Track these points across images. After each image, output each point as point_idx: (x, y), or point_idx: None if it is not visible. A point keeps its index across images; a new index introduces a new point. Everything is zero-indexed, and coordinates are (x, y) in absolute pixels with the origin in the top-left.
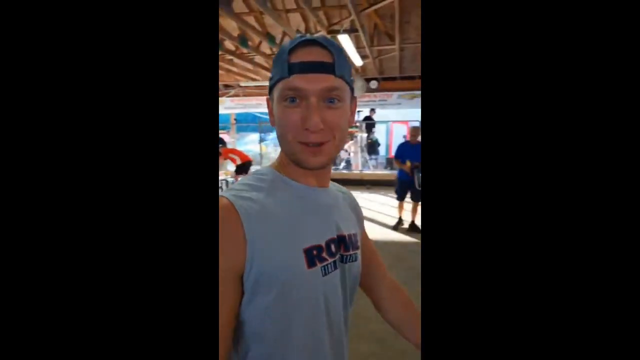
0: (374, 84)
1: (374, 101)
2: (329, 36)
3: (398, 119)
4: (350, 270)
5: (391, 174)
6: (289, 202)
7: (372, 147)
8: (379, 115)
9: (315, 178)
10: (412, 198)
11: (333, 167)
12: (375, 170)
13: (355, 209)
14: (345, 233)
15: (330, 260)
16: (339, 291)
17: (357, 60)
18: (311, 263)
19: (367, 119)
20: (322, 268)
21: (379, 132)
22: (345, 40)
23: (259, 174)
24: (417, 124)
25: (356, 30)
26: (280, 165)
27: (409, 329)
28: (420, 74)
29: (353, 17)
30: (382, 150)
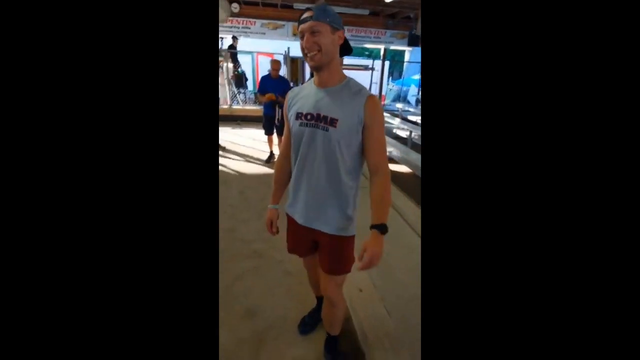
0: (235, 7)
1: (237, 27)
2: None
3: (263, 50)
4: (323, 134)
5: (260, 109)
6: (307, 92)
7: (239, 80)
8: (243, 44)
9: (319, 80)
10: (277, 132)
11: None
12: (245, 105)
13: (358, 107)
14: (322, 114)
15: (305, 121)
16: (309, 140)
17: None
18: (296, 117)
19: (231, 47)
20: (300, 123)
21: (245, 65)
22: None
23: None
24: (281, 57)
25: None
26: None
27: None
28: (281, 2)
29: None
30: (249, 85)
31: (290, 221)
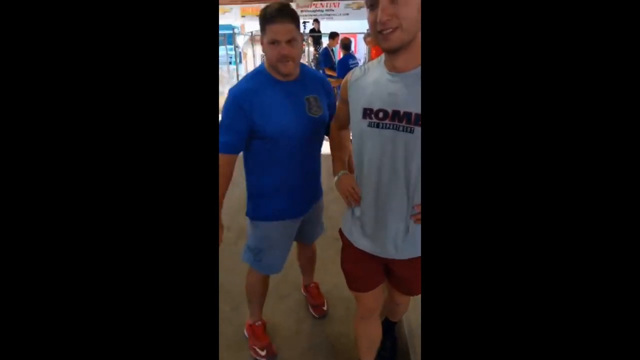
0: None
1: (321, 11)
2: None
3: (346, 31)
4: (406, 138)
5: None
6: (375, 78)
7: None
8: (327, 27)
9: (392, 64)
10: None
11: None
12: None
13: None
14: (401, 110)
15: (377, 121)
16: (386, 147)
17: None
18: (363, 116)
19: (313, 31)
20: (369, 122)
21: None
22: None
23: None
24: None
25: None
26: None
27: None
28: None
29: None
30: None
31: (350, 248)
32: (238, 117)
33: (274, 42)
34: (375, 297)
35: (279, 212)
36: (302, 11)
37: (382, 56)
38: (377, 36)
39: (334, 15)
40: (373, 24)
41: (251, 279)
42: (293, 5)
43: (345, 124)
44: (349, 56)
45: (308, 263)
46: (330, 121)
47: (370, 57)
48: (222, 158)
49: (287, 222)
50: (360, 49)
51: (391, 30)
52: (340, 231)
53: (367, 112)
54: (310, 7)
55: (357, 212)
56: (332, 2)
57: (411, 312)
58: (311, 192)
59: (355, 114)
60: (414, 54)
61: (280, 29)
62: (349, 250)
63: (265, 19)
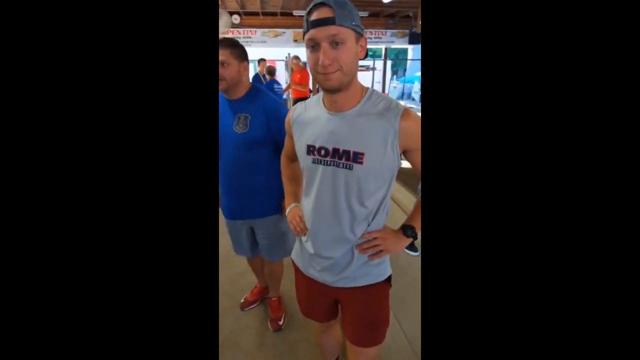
0: (236, 19)
1: (239, 37)
2: None
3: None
4: (346, 175)
5: None
6: (316, 116)
7: None
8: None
9: (332, 104)
10: None
11: None
12: None
13: (390, 130)
14: (341, 148)
15: (320, 157)
16: (328, 182)
17: None
18: (307, 152)
19: None
20: (313, 159)
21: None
22: None
23: (315, 96)
24: (282, 64)
25: None
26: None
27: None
28: (280, 10)
29: None
30: None
31: (301, 276)
32: None
33: None
34: (330, 328)
35: (224, 209)
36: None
37: (321, 94)
38: (317, 76)
39: (251, 42)
40: (314, 64)
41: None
42: None
43: (293, 157)
44: (273, 81)
45: (270, 278)
46: (260, 140)
47: (293, 80)
48: None
49: (230, 221)
50: (280, 75)
51: (334, 72)
52: (292, 259)
53: (310, 149)
54: (227, 33)
55: (305, 240)
56: (249, 29)
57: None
58: (241, 202)
59: (301, 150)
60: (352, 95)
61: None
62: (299, 278)
63: None
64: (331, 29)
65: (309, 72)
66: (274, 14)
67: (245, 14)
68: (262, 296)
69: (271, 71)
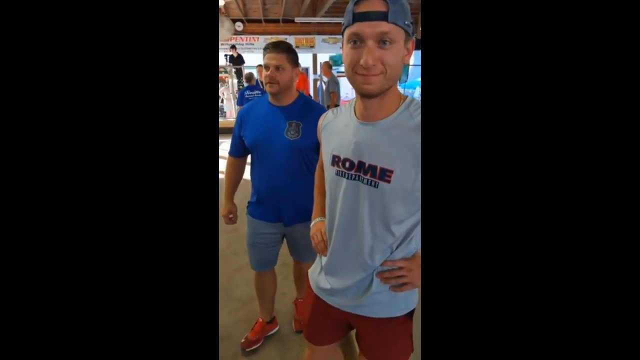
0: (239, 26)
1: (242, 44)
2: None
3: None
4: (370, 192)
5: None
6: (344, 123)
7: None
8: (248, 60)
9: (364, 111)
10: None
11: None
12: None
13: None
14: (366, 162)
15: (344, 170)
16: (350, 197)
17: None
18: (332, 162)
19: (232, 58)
20: (337, 171)
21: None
22: None
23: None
24: None
25: None
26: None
27: None
28: (282, 17)
29: None
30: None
31: (311, 295)
32: (237, 126)
33: (266, 67)
34: (327, 357)
35: (256, 211)
36: (222, 44)
37: (354, 100)
38: (354, 77)
39: (254, 49)
40: (353, 63)
41: (255, 277)
42: None
43: None
44: (247, 87)
45: (298, 279)
46: (311, 148)
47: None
48: (227, 159)
49: (263, 223)
50: None
51: (377, 74)
52: (307, 274)
53: (335, 160)
54: (230, 40)
55: (324, 260)
56: (252, 36)
57: None
58: (286, 207)
59: (326, 159)
60: (388, 102)
61: (271, 57)
62: (309, 296)
63: (264, 49)
64: (382, 26)
65: (307, 77)
66: (276, 21)
67: (248, 21)
68: (266, 333)
69: (248, 78)
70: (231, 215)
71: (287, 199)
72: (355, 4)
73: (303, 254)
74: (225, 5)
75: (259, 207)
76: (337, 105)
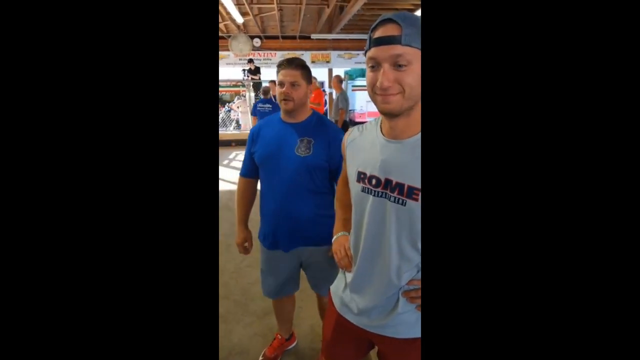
0: (257, 42)
1: (260, 60)
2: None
3: None
4: (397, 210)
5: None
6: (371, 140)
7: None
8: (265, 75)
9: (390, 130)
10: None
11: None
12: None
13: None
14: (394, 180)
15: (370, 187)
16: (377, 215)
17: (238, 17)
18: (357, 179)
19: (250, 71)
20: (362, 187)
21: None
22: None
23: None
24: None
25: None
26: None
27: None
28: (299, 34)
29: None
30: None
31: (333, 313)
32: (248, 144)
33: (280, 84)
34: None
35: (265, 238)
36: (239, 59)
37: (380, 117)
38: (374, 97)
39: (271, 64)
40: (372, 85)
41: (273, 303)
42: (231, 53)
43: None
44: (260, 100)
45: (322, 312)
46: (322, 166)
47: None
48: (238, 181)
49: (272, 251)
50: None
51: (395, 94)
52: (330, 291)
53: (361, 176)
54: (248, 55)
55: (348, 277)
56: (269, 52)
57: None
58: (293, 229)
59: (352, 176)
60: (414, 121)
61: (286, 73)
62: (331, 314)
63: (278, 66)
64: (395, 49)
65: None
66: (292, 38)
67: (266, 37)
68: (284, 349)
69: (265, 91)
70: (246, 244)
71: (285, 219)
72: (372, 30)
73: (318, 284)
74: (244, 23)
75: (263, 229)
76: (345, 122)
